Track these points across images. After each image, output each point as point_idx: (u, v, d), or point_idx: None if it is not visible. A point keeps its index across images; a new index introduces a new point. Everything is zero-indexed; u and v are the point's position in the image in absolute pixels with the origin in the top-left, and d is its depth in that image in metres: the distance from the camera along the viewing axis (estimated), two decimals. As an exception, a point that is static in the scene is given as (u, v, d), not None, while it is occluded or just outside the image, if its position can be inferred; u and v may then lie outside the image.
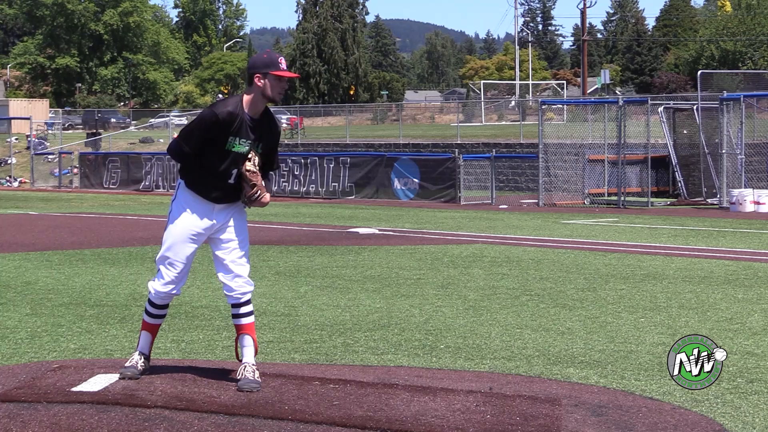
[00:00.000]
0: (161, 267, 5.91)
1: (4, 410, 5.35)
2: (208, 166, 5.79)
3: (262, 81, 5.69)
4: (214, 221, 5.90)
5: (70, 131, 57.72)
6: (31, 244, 15.41)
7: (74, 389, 5.71)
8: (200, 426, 5.09)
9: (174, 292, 5.95)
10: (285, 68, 5.75)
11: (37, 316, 8.67)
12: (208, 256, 12.83)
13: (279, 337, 7.73)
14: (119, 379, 5.89)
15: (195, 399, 5.53)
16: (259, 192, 5.81)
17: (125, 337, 7.69)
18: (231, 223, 5.95)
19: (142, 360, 6.01)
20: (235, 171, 5.81)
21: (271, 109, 5.99)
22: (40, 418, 5.19)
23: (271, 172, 6.07)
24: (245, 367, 5.84)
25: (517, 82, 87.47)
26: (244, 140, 5.76)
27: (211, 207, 5.89)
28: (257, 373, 5.84)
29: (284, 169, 31.06)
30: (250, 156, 5.76)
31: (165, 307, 6.03)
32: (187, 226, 5.87)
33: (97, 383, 5.82)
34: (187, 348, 7.27)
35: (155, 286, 5.93)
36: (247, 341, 5.90)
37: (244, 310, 5.91)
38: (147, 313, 6.04)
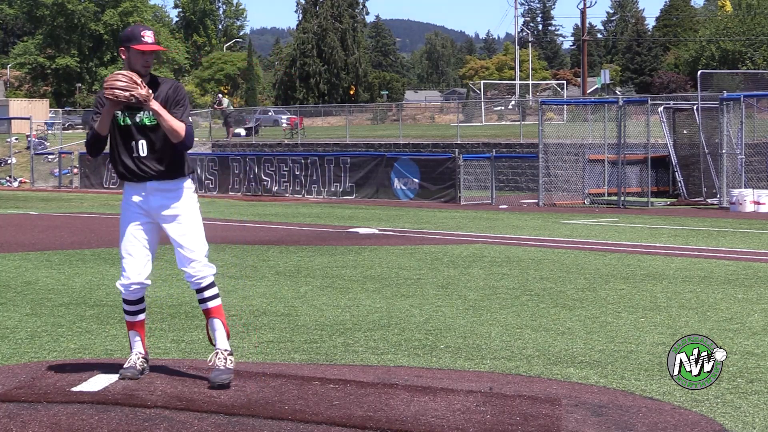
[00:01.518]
0: (121, 261, 5.99)
1: (4, 410, 5.35)
2: (113, 145, 5.92)
3: (125, 54, 5.84)
4: (150, 204, 5.90)
5: (70, 131, 57.67)
6: (31, 244, 15.41)
7: (74, 389, 5.71)
8: (200, 426, 5.10)
9: (135, 285, 5.95)
10: (148, 41, 5.80)
11: (37, 316, 8.68)
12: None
13: (279, 337, 7.73)
14: (119, 379, 5.89)
15: (195, 399, 5.53)
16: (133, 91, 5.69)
17: (125, 337, 7.67)
18: (176, 211, 5.91)
19: (141, 359, 6.02)
20: (139, 142, 5.83)
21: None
22: (40, 418, 5.19)
23: (188, 131, 5.86)
24: (217, 353, 5.86)
25: (517, 82, 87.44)
26: (130, 111, 5.82)
27: (141, 188, 5.91)
28: (230, 360, 5.84)
29: (284, 169, 31.07)
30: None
31: (138, 302, 6.05)
32: (127, 215, 5.97)
33: (97, 383, 5.82)
34: (187, 348, 7.27)
35: (119, 281, 6.00)
36: (217, 324, 5.92)
37: (208, 293, 5.93)
38: (125, 311, 6.11)
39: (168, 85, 5.93)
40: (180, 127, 5.81)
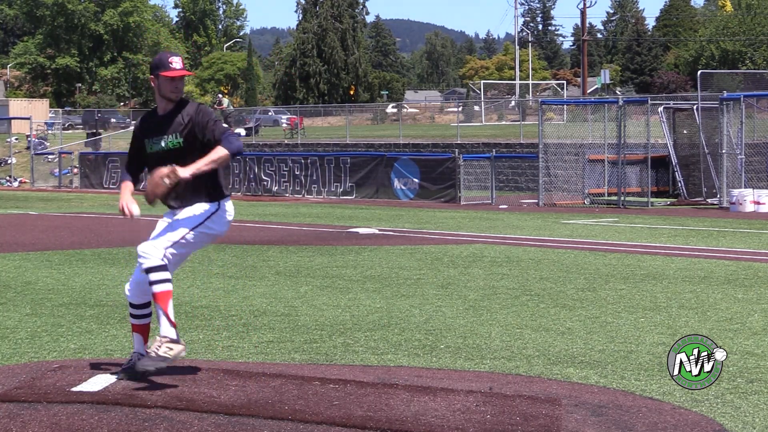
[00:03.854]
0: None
1: (4, 410, 5.35)
2: (147, 172, 6.01)
3: (155, 82, 5.91)
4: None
5: (70, 131, 57.66)
6: (31, 244, 15.42)
7: (74, 389, 5.71)
8: (200, 426, 5.10)
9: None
10: (177, 67, 5.85)
11: (37, 316, 8.68)
12: (208, 256, 12.81)
13: (279, 337, 7.73)
14: (118, 379, 5.89)
15: (195, 399, 5.53)
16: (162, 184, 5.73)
17: (125, 337, 7.69)
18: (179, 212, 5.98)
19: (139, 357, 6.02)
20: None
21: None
22: (40, 418, 5.19)
23: (227, 145, 5.83)
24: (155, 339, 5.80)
25: (517, 82, 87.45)
26: (156, 138, 5.92)
27: (172, 213, 6.02)
28: (167, 348, 5.71)
29: (284, 169, 31.08)
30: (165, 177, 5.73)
31: (144, 306, 6.04)
32: (157, 225, 6.07)
33: (97, 383, 5.82)
34: (187, 348, 7.26)
35: (127, 283, 6.07)
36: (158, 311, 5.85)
37: (151, 277, 5.80)
38: (130, 314, 6.13)
39: (193, 108, 5.93)
40: (219, 156, 5.78)
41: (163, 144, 5.90)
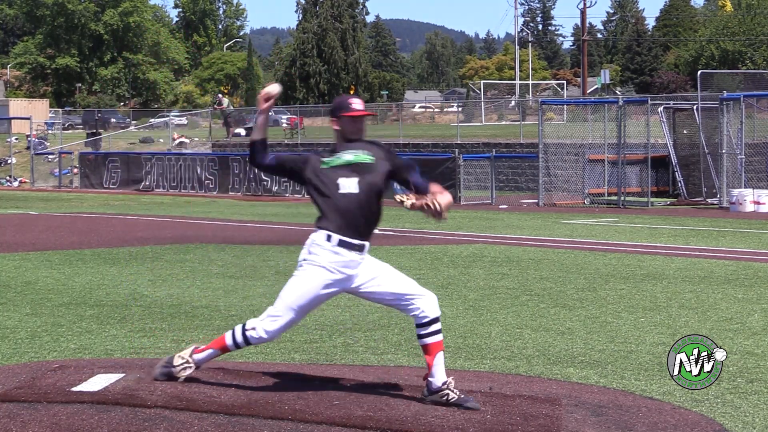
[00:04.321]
0: (279, 313, 5.76)
1: (4, 410, 5.35)
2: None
3: (338, 124, 5.84)
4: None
5: (70, 131, 57.62)
6: (31, 244, 15.42)
7: (74, 389, 5.71)
8: (200, 426, 5.10)
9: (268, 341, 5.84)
10: (358, 108, 5.82)
11: (37, 316, 8.68)
12: (208, 256, 12.79)
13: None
14: (153, 379, 5.80)
15: (195, 399, 5.53)
16: (429, 205, 5.78)
17: (125, 337, 7.69)
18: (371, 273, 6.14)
19: (191, 371, 5.86)
20: (341, 180, 5.76)
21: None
22: (40, 418, 5.19)
23: (415, 177, 5.87)
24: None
25: (517, 82, 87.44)
26: (346, 151, 5.80)
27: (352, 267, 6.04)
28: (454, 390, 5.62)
29: (284, 169, 31.06)
30: (400, 199, 5.83)
31: (248, 346, 5.87)
32: (323, 276, 6.07)
33: (97, 383, 5.82)
34: (187, 348, 7.26)
35: (262, 328, 5.71)
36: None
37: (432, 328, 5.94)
38: (234, 341, 5.77)
39: (376, 147, 5.91)
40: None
41: (350, 157, 5.77)
